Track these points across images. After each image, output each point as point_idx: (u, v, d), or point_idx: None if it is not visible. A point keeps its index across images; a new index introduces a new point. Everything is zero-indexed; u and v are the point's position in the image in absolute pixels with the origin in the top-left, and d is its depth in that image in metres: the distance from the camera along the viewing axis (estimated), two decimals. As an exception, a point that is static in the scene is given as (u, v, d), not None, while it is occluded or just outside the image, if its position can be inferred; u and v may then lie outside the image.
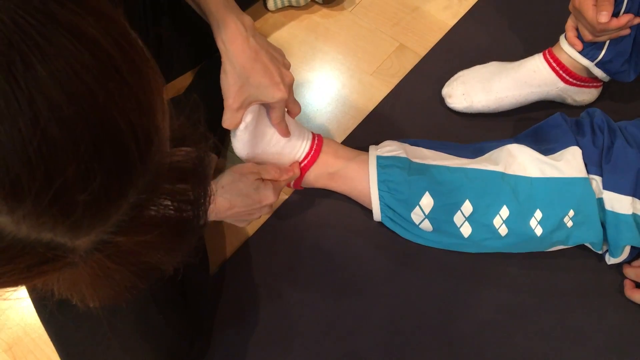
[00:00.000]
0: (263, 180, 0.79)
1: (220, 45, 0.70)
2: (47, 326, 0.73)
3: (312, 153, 0.86)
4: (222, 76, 0.71)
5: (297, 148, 0.85)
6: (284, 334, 0.85)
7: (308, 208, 0.94)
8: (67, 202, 0.27)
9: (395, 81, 1.07)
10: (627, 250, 0.85)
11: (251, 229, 0.93)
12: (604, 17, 0.80)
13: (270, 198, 0.78)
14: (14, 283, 0.32)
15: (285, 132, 0.82)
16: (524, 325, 0.85)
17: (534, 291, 0.88)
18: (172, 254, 0.39)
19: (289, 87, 0.75)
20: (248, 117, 0.75)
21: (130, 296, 0.39)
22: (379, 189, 0.84)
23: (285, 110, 0.80)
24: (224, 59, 0.71)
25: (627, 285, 0.87)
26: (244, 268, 0.90)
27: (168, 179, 0.34)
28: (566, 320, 0.86)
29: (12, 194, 0.26)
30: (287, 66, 0.76)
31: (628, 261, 0.87)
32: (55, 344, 0.71)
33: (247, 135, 0.77)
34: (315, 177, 0.88)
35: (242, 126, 0.75)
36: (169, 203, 0.35)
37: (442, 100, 1.03)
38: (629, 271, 0.87)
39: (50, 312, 0.71)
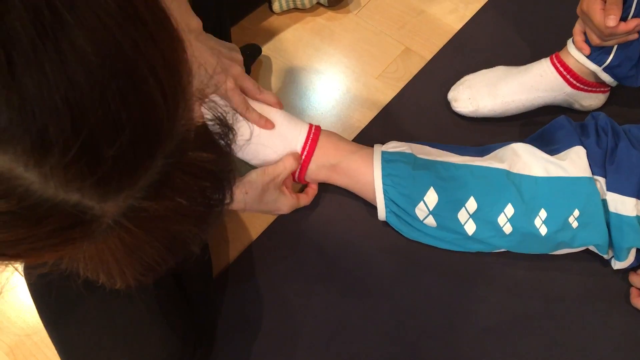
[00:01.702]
0: (284, 189, 0.85)
1: None
2: (49, 329, 0.72)
3: (309, 142, 0.85)
4: None
5: (290, 139, 0.85)
6: (288, 339, 0.84)
7: (312, 211, 0.93)
8: (94, 155, 0.27)
9: (400, 85, 1.07)
10: (633, 253, 0.84)
11: (255, 232, 0.92)
12: (612, 21, 0.79)
13: (283, 211, 0.87)
14: (39, 251, 0.30)
15: (258, 120, 0.82)
16: (529, 331, 0.84)
17: (540, 296, 0.87)
18: (200, 227, 0.39)
19: (235, 76, 0.79)
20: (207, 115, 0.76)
21: (157, 274, 0.39)
22: (384, 183, 0.84)
23: (244, 100, 0.81)
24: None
25: (633, 293, 0.86)
26: (247, 272, 0.89)
27: (195, 147, 0.34)
28: (572, 326, 0.85)
29: (39, 144, 0.25)
30: (235, 59, 0.80)
31: (634, 267, 0.86)
32: (58, 348, 0.71)
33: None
34: (317, 168, 0.87)
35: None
36: (196, 171, 0.35)
37: (447, 104, 1.02)
38: (634, 279, 0.86)
39: (53, 314, 0.71)
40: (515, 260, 0.88)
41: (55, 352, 0.71)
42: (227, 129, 0.40)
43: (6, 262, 0.33)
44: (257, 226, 0.93)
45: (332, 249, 0.90)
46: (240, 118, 0.81)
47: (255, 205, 0.83)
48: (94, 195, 0.28)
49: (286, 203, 0.86)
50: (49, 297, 0.71)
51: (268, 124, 0.82)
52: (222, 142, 0.39)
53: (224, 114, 0.40)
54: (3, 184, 0.26)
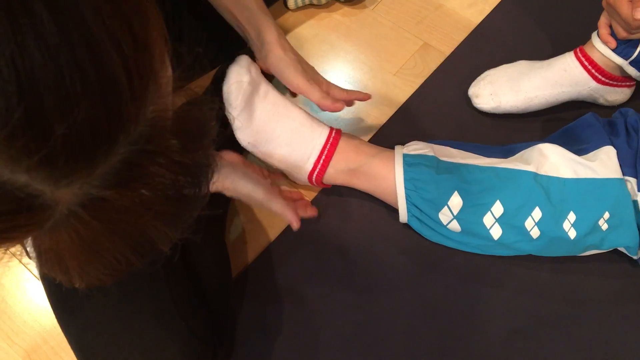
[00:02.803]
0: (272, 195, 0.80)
1: (263, 43, 0.78)
2: (67, 333, 0.71)
3: (327, 146, 0.83)
4: (279, 63, 0.77)
5: (309, 141, 0.83)
6: (308, 341, 0.83)
7: (331, 212, 0.91)
8: (42, 129, 0.24)
9: (419, 81, 1.04)
10: None
11: (273, 233, 0.91)
12: (640, 13, 0.77)
13: (276, 210, 0.80)
14: None
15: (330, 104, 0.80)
16: (555, 334, 0.82)
17: (566, 298, 0.85)
18: (169, 225, 0.35)
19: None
20: (240, 98, 0.79)
21: (120, 275, 0.36)
22: (406, 188, 0.82)
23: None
24: (272, 49, 0.77)
25: None
26: (265, 274, 0.88)
27: (166, 136, 0.32)
28: (601, 330, 0.82)
29: None
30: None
31: None
32: (76, 352, 0.70)
33: (245, 119, 0.78)
34: (336, 172, 0.85)
35: (235, 112, 0.78)
36: (166, 162, 0.32)
37: (468, 100, 1.00)
38: None
39: (70, 317, 0.70)
40: (540, 262, 0.86)
41: (73, 356, 0.70)
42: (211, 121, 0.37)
43: None
44: (275, 227, 0.91)
45: (352, 250, 0.89)
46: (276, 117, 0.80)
47: (245, 198, 0.78)
48: (45, 178, 0.26)
49: (278, 207, 0.80)
50: (62, 296, 0.70)
51: (335, 105, 0.79)
52: (205, 134, 0.36)
53: (211, 105, 0.37)
54: None
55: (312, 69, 0.83)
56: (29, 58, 0.24)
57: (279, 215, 0.80)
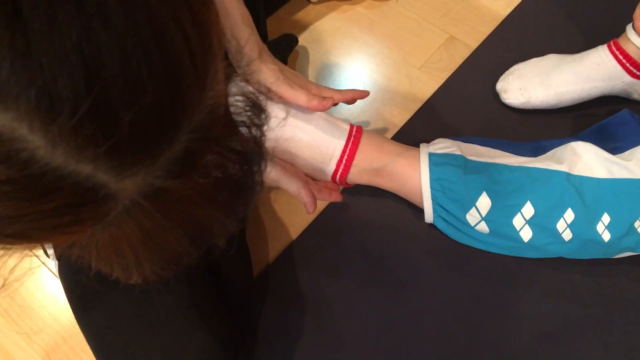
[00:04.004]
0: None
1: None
2: (86, 333, 0.70)
3: (349, 146, 0.80)
4: (259, 75, 0.73)
5: (329, 142, 0.80)
6: (331, 343, 0.81)
7: (354, 210, 0.89)
8: (109, 117, 0.23)
9: (445, 75, 1.01)
10: None
11: (294, 232, 0.89)
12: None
13: (291, 190, 0.76)
14: (43, 231, 0.27)
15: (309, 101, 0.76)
16: (588, 338, 0.79)
17: (599, 301, 0.82)
18: (226, 214, 0.35)
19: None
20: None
21: (178, 268, 0.35)
22: (432, 188, 0.79)
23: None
24: (252, 61, 0.73)
25: None
26: (287, 273, 0.86)
27: (224, 124, 0.31)
28: (634, 333, 0.79)
29: (47, 100, 0.22)
30: None
31: None
32: (95, 352, 0.69)
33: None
34: (360, 172, 0.83)
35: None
36: (224, 151, 0.32)
37: (496, 95, 0.97)
38: None
39: (89, 317, 0.69)
40: (571, 263, 0.83)
41: (92, 356, 0.69)
42: (259, 110, 0.36)
43: (6, 244, 0.29)
44: (296, 225, 0.89)
45: (375, 250, 0.86)
46: (272, 104, 0.77)
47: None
48: (109, 169, 0.25)
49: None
50: (81, 295, 0.69)
51: (323, 103, 0.76)
52: (254, 124, 0.36)
53: (255, 95, 0.37)
54: (4, 145, 0.22)
55: (298, 76, 0.79)
56: (96, 42, 0.22)
57: (294, 195, 0.76)
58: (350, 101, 0.83)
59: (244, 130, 0.34)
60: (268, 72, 0.73)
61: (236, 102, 0.34)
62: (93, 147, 0.24)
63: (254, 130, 0.35)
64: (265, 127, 0.37)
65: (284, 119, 0.77)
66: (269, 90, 0.74)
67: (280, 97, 0.75)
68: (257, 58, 0.74)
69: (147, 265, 0.34)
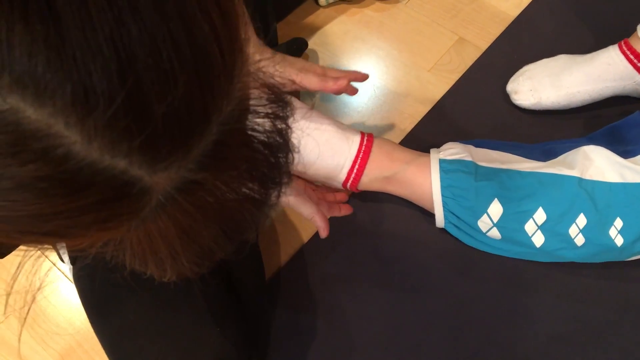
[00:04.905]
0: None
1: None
2: (101, 338, 0.71)
3: (360, 155, 0.80)
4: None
5: (341, 152, 0.80)
6: (342, 347, 0.81)
7: (365, 213, 0.89)
8: (143, 110, 0.24)
9: (455, 77, 1.01)
10: None
11: (306, 235, 0.89)
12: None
13: (306, 215, 0.78)
14: (79, 229, 0.27)
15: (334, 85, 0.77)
16: (601, 340, 0.79)
17: (612, 304, 0.81)
18: (257, 206, 0.35)
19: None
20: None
21: (212, 263, 0.36)
22: (443, 195, 0.79)
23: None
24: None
25: None
26: (299, 276, 0.86)
27: (252, 117, 0.31)
28: (647, 337, 0.79)
29: (82, 94, 0.22)
30: None
31: None
32: (109, 356, 0.70)
33: None
34: (370, 181, 0.83)
35: None
36: (254, 143, 0.32)
37: (506, 97, 0.97)
38: None
39: (104, 322, 0.69)
40: (584, 266, 0.82)
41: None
42: (284, 103, 0.37)
43: (43, 243, 0.29)
44: (307, 229, 0.89)
45: (387, 253, 0.86)
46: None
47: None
48: (143, 163, 0.25)
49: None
50: (96, 300, 0.70)
51: (338, 83, 0.77)
52: (278, 116, 0.36)
53: (279, 87, 0.37)
54: (41, 142, 0.22)
55: (301, 60, 0.80)
56: (127, 34, 0.22)
57: (308, 219, 0.78)
58: (356, 79, 0.83)
59: (268, 122, 0.34)
60: (272, 61, 0.75)
61: (260, 94, 0.35)
62: (127, 140, 0.24)
63: (278, 123, 0.35)
64: (290, 120, 0.37)
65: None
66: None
67: (289, 82, 0.76)
68: (256, 48, 0.75)
69: (181, 261, 0.34)
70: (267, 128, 0.34)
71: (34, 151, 0.23)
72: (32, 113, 0.22)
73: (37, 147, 0.23)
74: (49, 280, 0.88)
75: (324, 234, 0.78)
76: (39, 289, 0.35)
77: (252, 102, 0.32)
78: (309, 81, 0.76)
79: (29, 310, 0.81)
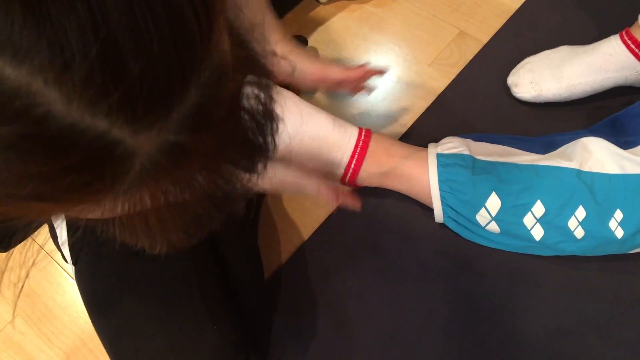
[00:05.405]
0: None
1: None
2: (101, 337, 0.72)
3: (358, 150, 0.80)
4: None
5: (338, 147, 0.80)
6: (344, 343, 0.81)
7: (365, 209, 0.89)
8: (118, 66, 0.24)
9: (455, 71, 1.01)
10: None
11: (306, 232, 0.89)
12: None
13: (310, 191, 0.75)
14: (61, 192, 0.27)
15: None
16: (605, 334, 0.78)
17: (614, 297, 0.80)
18: (244, 168, 0.36)
19: None
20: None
21: (202, 234, 0.36)
22: (441, 189, 0.79)
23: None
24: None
25: None
26: (299, 274, 0.86)
27: (231, 80, 0.31)
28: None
29: (58, 53, 0.22)
30: None
31: None
32: (110, 355, 0.70)
33: None
34: (368, 176, 0.83)
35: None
36: (234, 107, 0.32)
37: (507, 90, 0.96)
38: None
39: (104, 321, 0.70)
40: (585, 259, 0.82)
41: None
42: (266, 72, 0.37)
43: (24, 209, 0.29)
44: (308, 225, 0.90)
45: (387, 249, 0.86)
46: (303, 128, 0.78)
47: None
48: (124, 123, 0.25)
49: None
50: (96, 299, 0.70)
51: (361, 68, 0.80)
52: (260, 85, 0.36)
53: (259, 58, 0.37)
54: (22, 100, 0.23)
55: (319, 56, 0.83)
56: None
57: (314, 196, 0.74)
58: (376, 73, 0.85)
59: (250, 90, 0.35)
60: (297, 53, 0.79)
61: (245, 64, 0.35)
62: (106, 98, 0.24)
63: (261, 91, 0.36)
64: (273, 90, 0.37)
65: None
66: (301, 69, 0.77)
67: (314, 71, 0.78)
68: (283, 41, 0.77)
69: (171, 231, 0.35)
70: (249, 96, 0.34)
71: (15, 110, 0.23)
72: (11, 72, 0.22)
73: (18, 105, 0.23)
74: (54, 280, 0.89)
75: (336, 202, 0.74)
76: (32, 264, 0.36)
77: (233, 69, 0.32)
78: (333, 71, 0.77)
79: (22, 286, 0.82)
